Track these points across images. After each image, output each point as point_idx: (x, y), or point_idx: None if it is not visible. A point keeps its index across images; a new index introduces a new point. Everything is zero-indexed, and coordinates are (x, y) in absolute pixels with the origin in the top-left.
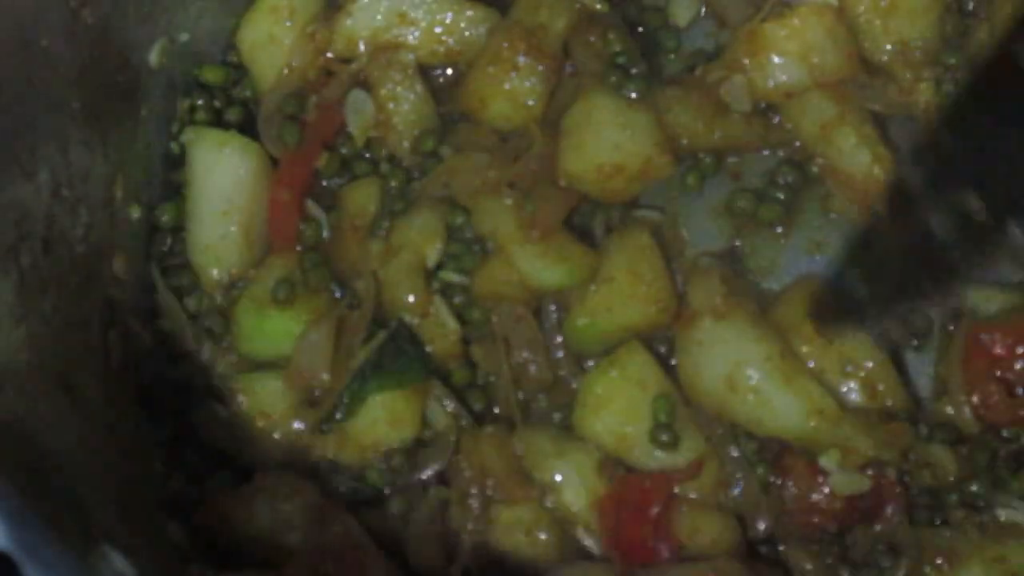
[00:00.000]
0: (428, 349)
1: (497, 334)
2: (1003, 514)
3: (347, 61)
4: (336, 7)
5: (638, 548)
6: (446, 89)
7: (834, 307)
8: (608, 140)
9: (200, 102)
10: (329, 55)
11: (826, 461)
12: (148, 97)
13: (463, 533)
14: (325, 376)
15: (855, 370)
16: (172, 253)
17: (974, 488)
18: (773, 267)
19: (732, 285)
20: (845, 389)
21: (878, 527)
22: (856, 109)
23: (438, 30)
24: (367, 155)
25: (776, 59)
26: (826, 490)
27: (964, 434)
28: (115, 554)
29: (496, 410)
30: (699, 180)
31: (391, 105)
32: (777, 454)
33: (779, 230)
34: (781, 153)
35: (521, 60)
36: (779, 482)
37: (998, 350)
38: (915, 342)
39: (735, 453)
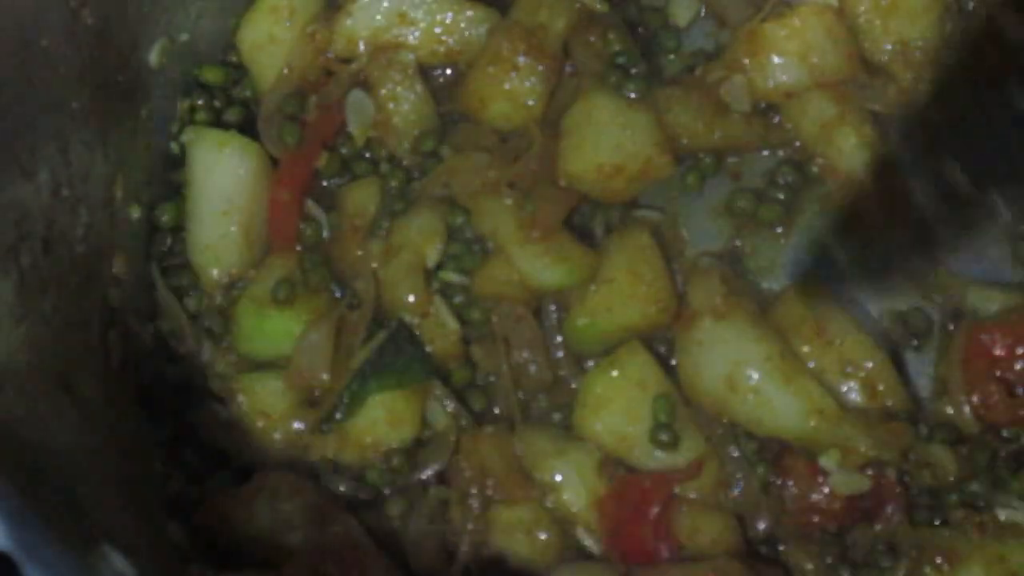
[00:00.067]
0: (428, 349)
1: (497, 334)
2: (1003, 514)
3: (347, 61)
4: (336, 7)
5: (638, 548)
6: (446, 89)
7: (817, 274)
8: (608, 140)
9: (200, 102)
10: (329, 55)
11: (826, 461)
12: (148, 97)
13: (463, 533)
14: (325, 376)
15: (855, 370)
16: (172, 253)
17: (974, 488)
18: (773, 267)
19: (732, 285)
20: (845, 389)
21: (878, 527)
22: (856, 109)
23: (438, 30)
24: (367, 155)
25: (776, 59)
26: (826, 490)
27: (964, 434)
28: (115, 554)
29: (496, 410)
30: (699, 180)
31: (391, 105)
32: (777, 454)
33: (779, 230)
34: (781, 153)
35: (521, 60)
36: (779, 482)
37: (998, 350)
38: (915, 342)
39: (735, 453)
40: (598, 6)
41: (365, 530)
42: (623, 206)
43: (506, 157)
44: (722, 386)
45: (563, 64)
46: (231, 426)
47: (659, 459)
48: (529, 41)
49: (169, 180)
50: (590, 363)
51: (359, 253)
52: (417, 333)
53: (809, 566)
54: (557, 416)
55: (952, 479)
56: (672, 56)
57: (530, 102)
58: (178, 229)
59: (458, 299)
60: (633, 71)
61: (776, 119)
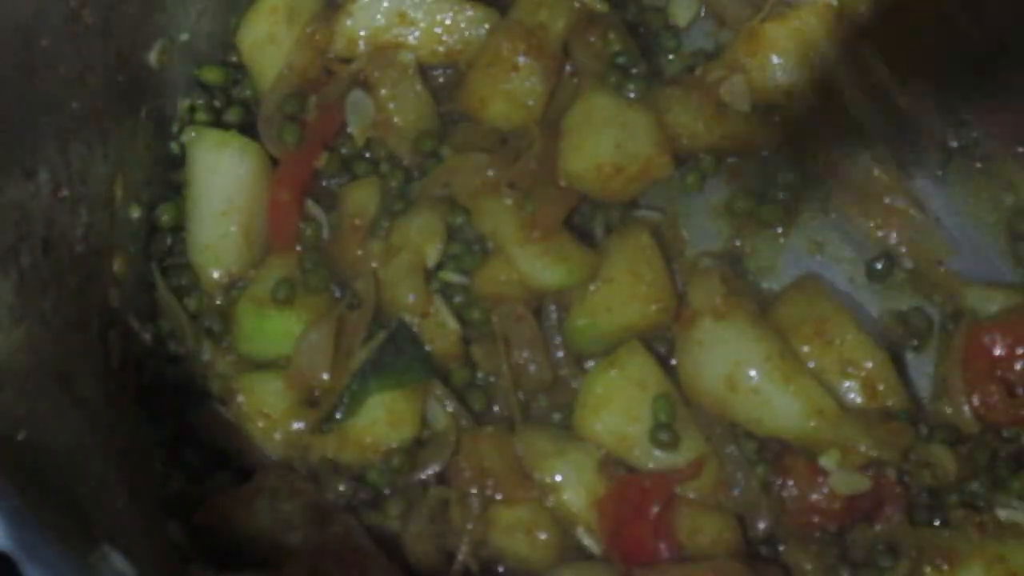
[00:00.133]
0: (428, 349)
1: (497, 334)
2: (1003, 514)
3: (347, 61)
4: (336, 7)
5: (638, 548)
6: (446, 89)
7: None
8: (608, 140)
9: (200, 102)
10: (329, 55)
11: (826, 461)
12: (148, 97)
13: (463, 533)
14: (325, 376)
15: (855, 370)
16: (172, 253)
17: (974, 488)
18: (773, 267)
19: (732, 285)
20: (845, 389)
21: (878, 527)
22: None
23: (438, 30)
24: (367, 155)
25: (776, 59)
26: (826, 490)
27: (964, 434)
28: (115, 554)
29: (496, 410)
30: (699, 180)
31: (391, 105)
32: (777, 454)
33: (779, 230)
34: (781, 153)
35: (521, 60)
36: (779, 482)
37: (998, 350)
38: (915, 342)
39: (735, 453)
40: (598, 6)
41: (365, 530)
42: (623, 206)
43: (506, 157)
44: (722, 386)
45: (563, 64)
46: (231, 426)
47: (659, 459)
48: (529, 41)
49: (169, 180)
50: (590, 363)
51: (359, 253)
52: (417, 333)
53: (809, 566)
54: (557, 416)
55: (952, 479)
56: (672, 56)
57: (530, 102)
58: (178, 229)
59: (458, 299)
60: (633, 71)
61: (776, 119)
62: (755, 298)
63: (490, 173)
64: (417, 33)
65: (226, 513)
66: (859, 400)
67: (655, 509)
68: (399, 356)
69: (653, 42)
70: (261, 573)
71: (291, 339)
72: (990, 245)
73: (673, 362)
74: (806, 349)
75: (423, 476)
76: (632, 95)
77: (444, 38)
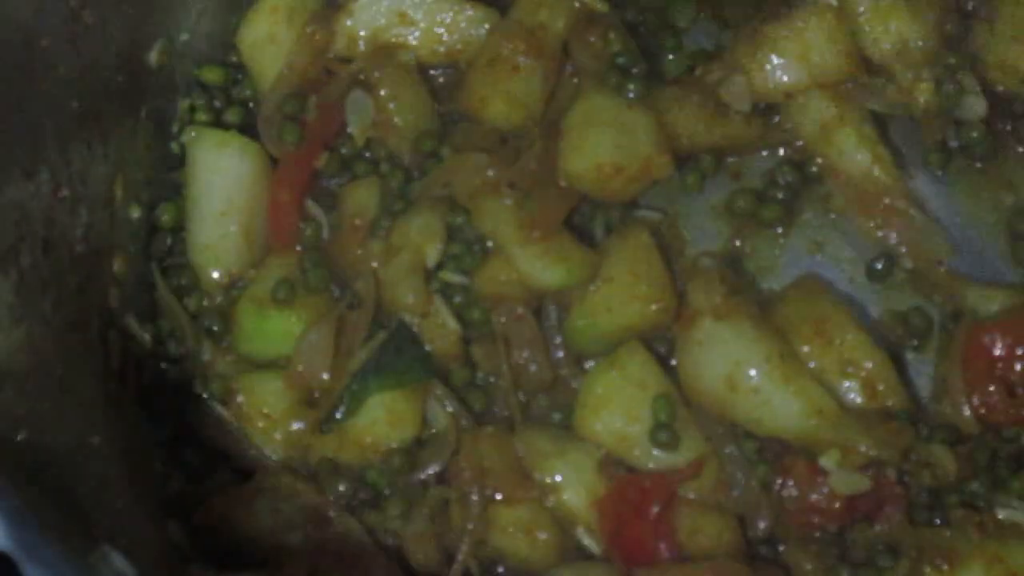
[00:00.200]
0: (428, 349)
1: (497, 334)
2: (1003, 514)
3: (347, 61)
4: (336, 7)
5: (638, 548)
6: (446, 89)
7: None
8: (608, 140)
9: (200, 102)
10: (329, 55)
11: (826, 461)
12: (148, 97)
13: (463, 533)
14: (325, 376)
15: (855, 370)
16: (172, 253)
17: (974, 488)
18: (773, 267)
19: (732, 285)
20: (845, 389)
21: (878, 527)
22: (856, 109)
23: (438, 30)
24: (367, 155)
25: (776, 59)
26: (826, 490)
27: (964, 434)
28: (115, 554)
29: (496, 410)
30: (699, 180)
31: (391, 105)
32: (777, 454)
33: (779, 230)
34: (781, 153)
35: (521, 60)
36: (779, 482)
37: (998, 350)
38: (915, 342)
39: (735, 453)
40: (598, 6)
41: (365, 530)
42: (623, 206)
43: (506, 157)
44: (722, 386)
45: (563, 64)
46: (231, 426)
47: (659, 459)
48: (529, 41)
49: (169, 180)
50: (590, 363)
51: (359, 253)
52: (417, 333)
53: (809, 566)
54: (557, 416)
55: (952, 479)
56: (672, 56)
57: (530, 102)
58: (178, 229)
59: (458, 299)
60: (633, 71)
61: (776, 119)
62: (755, 298)
63: (490, 173)
64: (417, 33)
65: (226, 513)
66: (859, 400)
67: (655, 509)
68: (399, 356)
69: (653, 42)
70: (261, 573)
71: (291, 339)
72: (990, 245)
73: (673, 362)
74: (806, 349)
75: (423, 476)
76: (632, 95)
77: (444, 38)
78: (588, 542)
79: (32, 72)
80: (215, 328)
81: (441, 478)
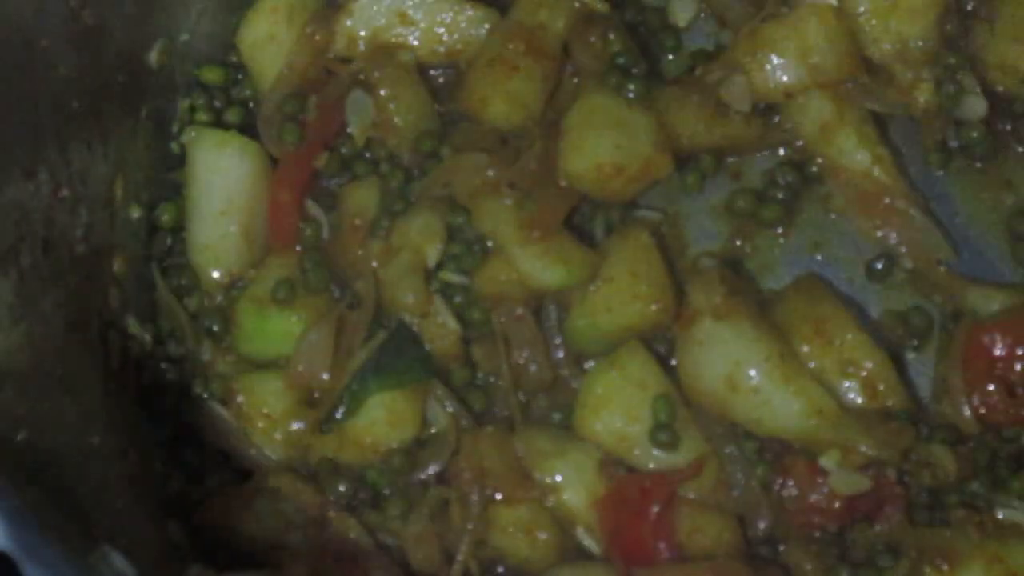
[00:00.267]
0: (428, 349)
1: (497, 334)
2: (1003, 514)
3: (347, 61)
4: (336, 7)
5: (638, 548)
6: (446, 89)
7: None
8: (608, 140)
9: (200, 102)
10: (329, 55)
11: (826, 461)
12: (148, 97)
13: (463, 533)
14: (325, 376)
15: (855, 370)
16: (172, 253)
17: (974, 488)
18: (773, 267)
19: (732, 285)
20: (845, 389)
21: (878, 527)
22: (856, 109)
23: (438, 30)
24: (367, 155)
25: (776, 59)
26: (826, 490)
27: (964, 434)
28: (115, 554)
29: (496, 410)
30: (699, 180)
31: (391, 105)
32: (777, 454)
33: (779, 230)
34: (781, 153)
35: (521, 60)
36: (779, 482)
37: (998, 350)
38: (915, 342)
39: (735, 453)
40: (598, 6)
41: (365, 530)
42: (623, 206)
43: (506, 157)
44: (722, 386)
45: (563, 64)
46: (231, 426)
47: (659, 459)
48: (529, 41)
49: (169, 180)
50: (590, 363)
51: (359, 253)
52: (417, 333)
53: (809, 566)
54: (557, 416)
55: (952, 479)
56: (672, 56)
57: (530, 102)
58: (178, 229)
59: (458, 299)
60: (633, 71)
61: (776, 119)
62: (755, 298)
63: (490, 173)
64: (417, 33)
65: (226, 513)
66: (859, 400)
67: (655, 509)
68: (399, 356)
69: (653, 42)
70: (261, 573)
71: (291, 339)
72: (990, 245)
73: (673, 362)
74: (806, 349)
75: (423, 476)
76: (632, 95)
77: (444, 38)
78: (588, 542)
79: (32, 72)
80: (215, 328)
81: (441, 478)
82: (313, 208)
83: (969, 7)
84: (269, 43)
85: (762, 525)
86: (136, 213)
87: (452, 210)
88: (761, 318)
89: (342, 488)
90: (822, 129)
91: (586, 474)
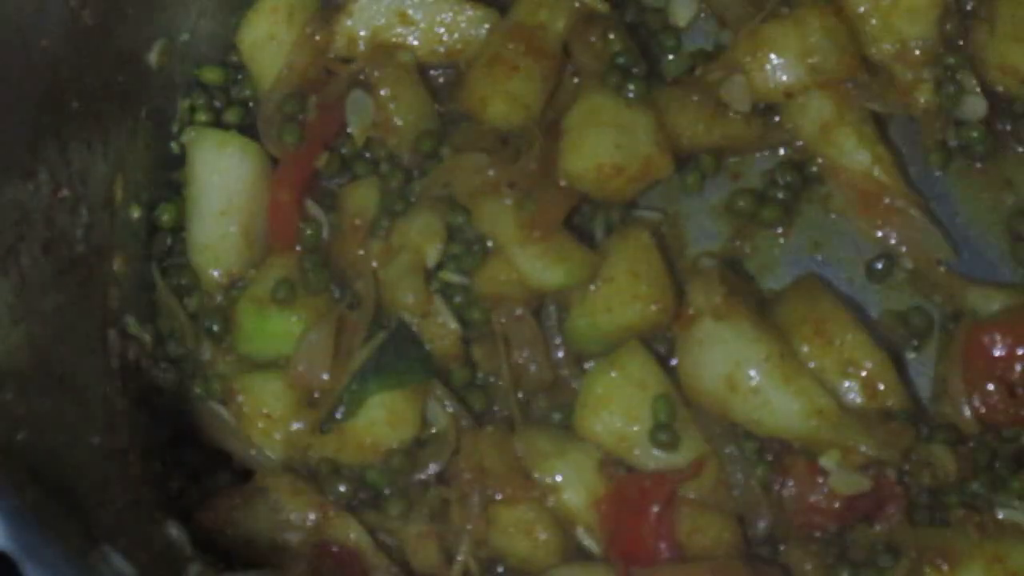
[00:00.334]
0: (428, 349)
1: (497, 334)
2: (1003, 514)
3: (347, 61)
4: (336, 7)
5: (638, 548)
6: (446, 89)
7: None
8: (608, 140)
9: (200, 102)
10: (329, 55)
11: (826, 461)
12: (148, 97)
13: (463, 533)
14: (325, 376)
15: (855, 370)
16: (172, 253)
17: (974, 488)
18: (773, 267)
19: (732, 285)
20: (845, 389)
21: (878, 527)
22: (856, 109)
23: (438, 30)
24: (367, 155)
25: (776, 59)
26: (826, 490)
27: (964, 434)
28: (115, 554)
29: (496, 410)
30: (699, 180)
31: (391, 105)
32: (777, 454)
33: (779, 230)
34: (781, 153)
35: (521, 60)
36: (779, 482)
37: (998, 350)
38: (915, 342)
39: (735, 453)
40: (598, 6)
41: (365, 530)
42: (623, 206)
43: (506, 157)
44: (722, 386)
45: (563, 64)
46: (231, 426)
47: (659, 459)
48: (529, 41)
49: (169, 180)
50: (590, 363)
51: (359, 253)
52: (417, 333)
53: (809, 566)
54: (557, 416)
55: (952, 479)
56: (672, 56)
57: (530, 102)
58: (178, 229)
59: (458, 299)
60: (633, 71)
61: (776, 119)
62: (755, 298)
63: (490, 173)
64: (417, 33)
65: (226, 513)
66: (859, 400)
67: (655, 509)
68: (399, 356)
69: (653, 42)
70: (261, 573)
71: (291, 339)
72: (990, 245)
73: (673, 362)
74: (806, 349)
75: (423, 476)
76: (632, 95)
77: (444, 38)
78: (588, 542)
79: (32, 72)
80: (215, 328)
81: (441, 478)
82: (313, 208)
83: (969, 7)
84: (269, 43)
85: (762, 525)
86: (136, 213)
87: (452, 210)
88: (761, 318)
89: (342, 488)
90: (822, 129)
91: (586, 474)
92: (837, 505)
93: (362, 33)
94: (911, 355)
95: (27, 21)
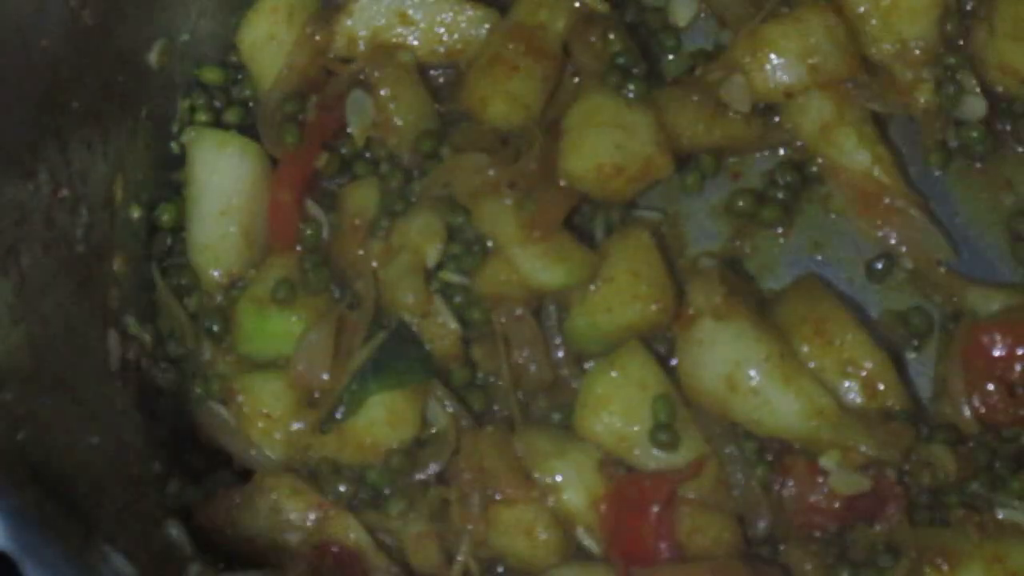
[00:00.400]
0: (428, 349)
1: (497, 334)
2: (1003, 514)
3: (347, 61)
4: (336, 7)
5: (638, 548)
6: (446, 89)
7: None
8: (608, 140)
9: (200, 102)
10: (329, 55)
11: (826, 461)
12: (148, 97)
13: (463, 533)
14: (325, 376)
15: (855, 370)
16: (172, 253)
17: (974, 488)
18: (773, 267)
19: (732, 285)
20: (845, 389)
21: (878, 527)
22: (856, 109)
23: (438, 30)
24: (367, 155)
25: (776, 59)
26: (826, 490)
27: (964, 434)
28: (115, 554)
29: (496, 410)
30: (699, 180)
31: (391, 105)
32: (777, 454)
33: (779, 230)
34: (781, 153)
35: (521, 60)
36: (779, 482)
37: (998, 350)
38: (915, 342)
39: (735, 453)
40: (598, 6)
41: (365, 530)
42: (623, 206)
43: (506, 157)
44: (722, 386)
45: (563, 64)
46: (231, 426)
47: (659, 459)
48: (529, 41)
49: (169, 180)
50: (590, 363)
51: (359, 253)
52: (417, 333)
53: (809, 566)
54: (557, 416)
55: (952, 479)
56: (672, 56)
57: (530, 102)
58: (178, 229)
59: (458, 299)
60: (633, 71)
61: (776, 119)
62: (755, 298)
63: (490, 173)
64: (417, 33)
65: (226, 513)
66: (859, 400)
67: (655, 509)
68: (399, 356)
69: (653, 42)
70: (261, 573)
71: (291, 339)
72: (990, 245)
73: (673, 362)
74: (806, 349)
75: (423, 476)
76: (632, 95)
77: (444, 38)
78: (588, 542)
79: (32, 72)
80: (215, 328)
81: (441, 478)
82: (313, 208)
83: (969, 7)
84: (269, 43)
85: (762, 525)
86: (136, 213)
87: (452, 210)
88: (761, 318)
89: (342, 488)
90: (822, 129)
91: (586, 474)
92: (837, 505)
93: (362, 33)
94: (911, 355)
95: (27, 21)
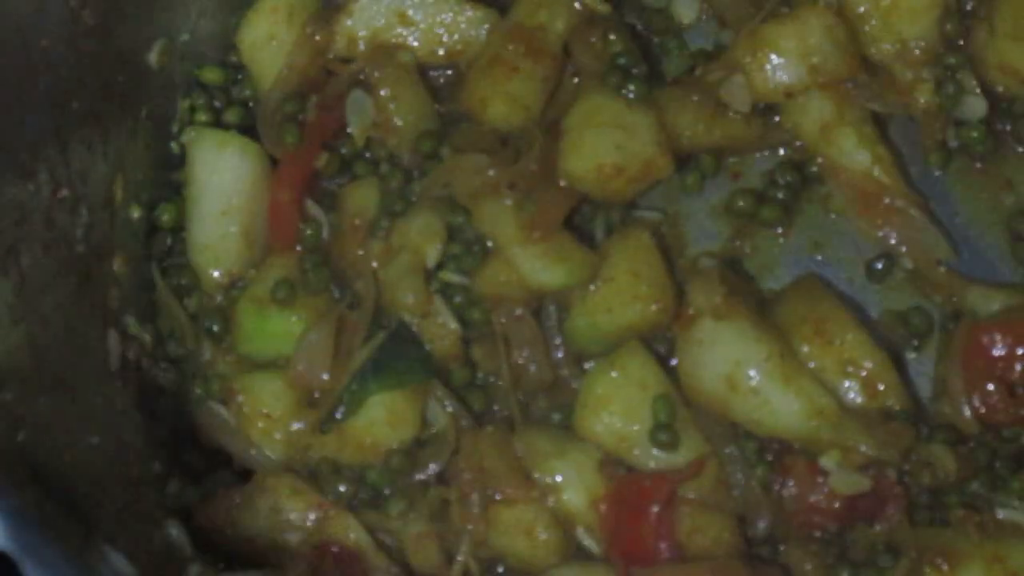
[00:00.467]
0: (428, 349)
1: (497, 334)
2: (1003, 514)
3: (347, 61)
4: (336, 7)
5: (638, 548)
6: (446, 89)
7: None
8: (608, 140)
9: (200, 102)
10: (329, 55)
11: (826, 461)
12: (148, 97)
13: (463, 533)
14: (325, 376)
15: (855, 370)
16: (172, 253)
17: (974, 488)
18: (773, 267)
19: (732, 285)
20: (845, 389)
21: (878, 527)
22: (856, 109)
23: (438, 30)
24: (367, 155)
25: (776, 59)
26: (826, 490)
27: (964, 434)
28: (115, 554)
29: (496, 410)
30: (699, 180)
31: (391, 105)
32: (777, 454)
33: (779, 230)
34: (781, 153)
35: (521, 61)
36: (779, 482)
37: (998, 350)
38: (915, 342)
39: (735, 453)
40: (599, 7)
41: (365, 530)
42: (623, 206)
43: (506, 157)
44: (722, 386)
45: (563, 64)
46: (231, 426)
47: (659, 459)
48: (529, 42)
49: (169, 180)
50: (590, 363)
51: (359, 253)
52: (417, 333)
53: (809, 566)
54: (557, 416)
55: (952, 479)
56: (672, 56)
57: (530, 103)
58: (178, 229)
59: (458, 299)
60: (633, 72)
61: (776, 119)
62: (755, 298)
63: (490, 173)
64: (417, 33)
65: (226, 513)
66: (859, 400)
67: (655, 509)
68: (399, 356)
69: (654, 43)
70: (261, 573)
71: (291, 339)
72: (990, 245)
73: (673, 362)
74: (806, 349)
75: (423, 476)
76: (632, 96)
77: (444, 38)
78: (588, 542)
79: (32, 72)
80: (215, 328)
81: (441, 478)
82: (313, 208)
83: (969, 7)
84: (269, 43)
85: (762, 525)
86: (136, 213)
87: (452, 210)
88: (761, 318)
89: (342, 488)
90: (822, 129)
91: (586, 474)
92: (837, 505)
93: (362, 33)
94: (911, 355)
95: (27, 21)
